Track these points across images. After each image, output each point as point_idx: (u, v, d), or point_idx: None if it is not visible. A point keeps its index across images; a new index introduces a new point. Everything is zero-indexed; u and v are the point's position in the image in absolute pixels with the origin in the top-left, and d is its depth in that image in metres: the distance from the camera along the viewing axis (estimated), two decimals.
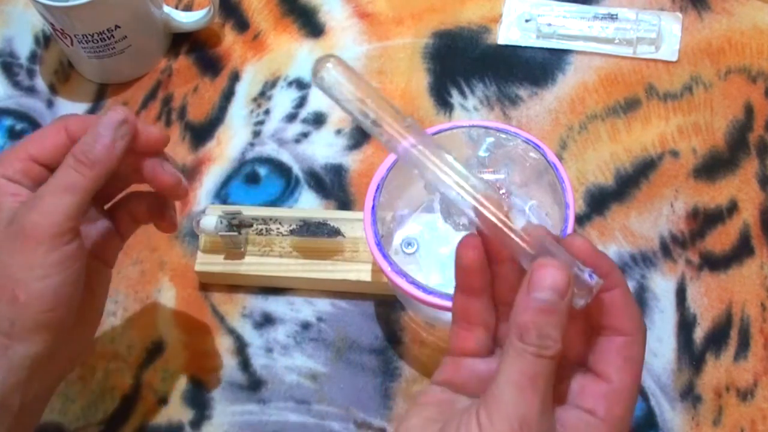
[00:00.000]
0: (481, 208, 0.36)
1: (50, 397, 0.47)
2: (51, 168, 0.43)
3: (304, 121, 0.64)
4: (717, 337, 0.54)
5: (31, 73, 0.68)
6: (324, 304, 0.57)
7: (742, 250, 0.56)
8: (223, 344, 0.56)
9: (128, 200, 0.49)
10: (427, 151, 0.38)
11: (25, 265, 0.41)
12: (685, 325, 0.54)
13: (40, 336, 0.42)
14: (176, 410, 0.55)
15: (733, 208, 0.58)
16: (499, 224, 0.36)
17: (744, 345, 0.53)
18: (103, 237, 0.48)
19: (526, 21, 0.66)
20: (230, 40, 0.68)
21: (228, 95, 0.66)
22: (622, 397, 0.36)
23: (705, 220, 0.57)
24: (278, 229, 0.55)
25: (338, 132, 0.63)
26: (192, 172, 0.62)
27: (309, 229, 0.55)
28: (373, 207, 0.51)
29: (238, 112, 0.65)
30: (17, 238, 0.41)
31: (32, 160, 0.43)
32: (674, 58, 0.63)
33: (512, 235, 0.35)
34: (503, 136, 0.52)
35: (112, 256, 0.49)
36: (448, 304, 0.48)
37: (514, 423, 0.33)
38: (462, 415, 0.35)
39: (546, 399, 0.34)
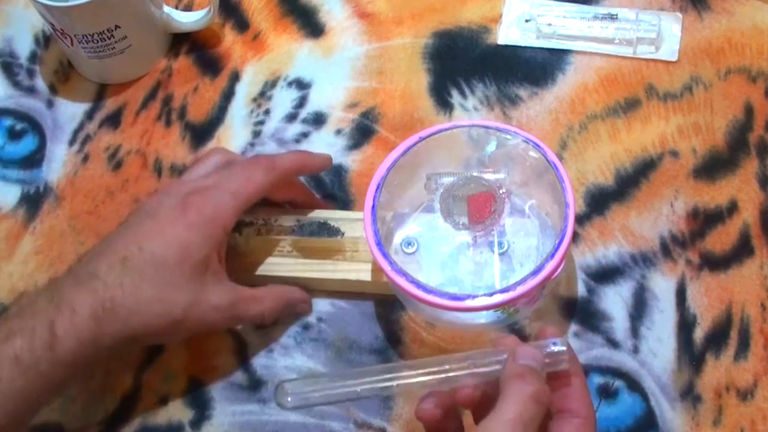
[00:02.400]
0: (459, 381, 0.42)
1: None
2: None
3: (304, 121, 0.64)
4: (717, 337, 0.54)
5: (31, 73, 0.68)
6: (324, 304, 0.57)
7: (742, 250, 0.56)
8: (223, 344, 0.56)
9: None
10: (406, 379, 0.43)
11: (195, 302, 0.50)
12: (685, 325, 0.54)
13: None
14: (176, 410, 0.55)
15: (733, 208, 0.58)
16: (477, 374, 0.42)
17: (744, 345, 0.53)
18: None
19: (526, 21, 0.66)
20: (230, 40, 0.68)
21: (228, 95, 0.66)
22: (590, 425, 0.41)
23: (705, 220, 0.57)
24: (278, 228, 0.55)
25: (338, 132, 0.63)
26: None
27: (309, 229, 0.55)
28: (373, 207, 0.51)
29: (238, 112, 0.65)
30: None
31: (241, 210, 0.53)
32: (674, 58, 0.63)
33: (488, 370, 0.42)
34: (504, 135, 0.53)
35: None
36: (449, 303, 0.48)
37: None
38: None
39: None
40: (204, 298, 0.50)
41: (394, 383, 0.42)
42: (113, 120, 0.65)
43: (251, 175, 0.52)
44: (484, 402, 0.42)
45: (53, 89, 0.67)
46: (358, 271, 0.56)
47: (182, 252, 0.49)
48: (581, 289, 0.56)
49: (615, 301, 0.55)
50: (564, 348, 0.42)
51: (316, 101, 0.65)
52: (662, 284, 0.56)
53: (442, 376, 0.42)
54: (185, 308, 0.49)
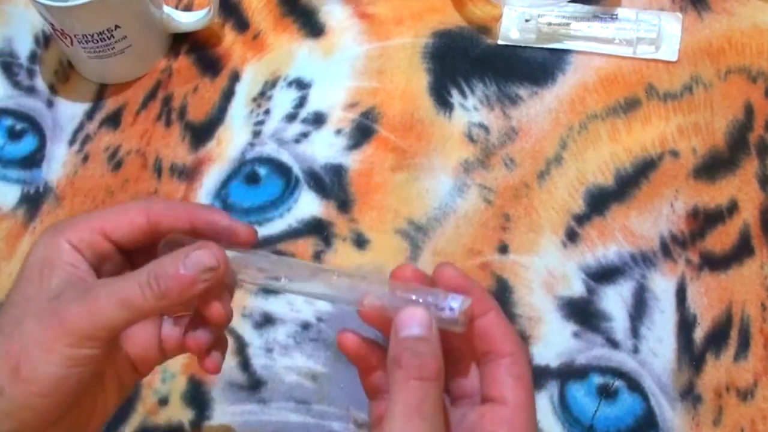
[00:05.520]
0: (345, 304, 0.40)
1: None
2: (120, 246, 0.41)
3: (304, 121, 0.64)
4: (717, 337, 0.54)
5: (31, 73, 0.68)
6: (324, 304, 0.57)
7: (742, 250, 0.56)
8: None
9: (180, 322, 0.44)
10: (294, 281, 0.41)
11: (43, 345, 0.38)
12: (685, 325, 0.54)
13: (24, 415, 0.38)
14: (176, 410, 0.55)
15: (733, 208, 0.58)
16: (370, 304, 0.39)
17: (744, 345, 0.53)
18: (147, 346, 0.44)
19: (526, 21, 0.66)
20: (230, 40, 0.68)
21: (228, 95, 0.66)
22: (522, 413, 0.37)
23: (705, 220, 0.57)
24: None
25: (338, 132, 0.63)
26: (192, 173, 0.62)
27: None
28: None
29: (238, 112, 0.65)
30: (51, 316, 0.38)
31: (103, 235, 0.41)
32: (674, 58, 0.63)
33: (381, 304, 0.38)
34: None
35: (147, 367, 0.44)
36: None
37: None
38: None
39: (435, 425, 0.35)
40: (42, 300, 0.40)
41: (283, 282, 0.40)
42: (113, 120, 0.65)
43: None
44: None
45: (53, 89, 0.67)
46: None
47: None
48: (581, 289, 0.56)
49: (615, 301, 0.55)
50: (459, 313, 0.37)
51: (316, 101, 0.65)
52: (662, 284, 0.56)
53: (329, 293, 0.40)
54: (20, 323, 0.39)
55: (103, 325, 0.38)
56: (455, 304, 0.37)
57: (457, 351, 0.40)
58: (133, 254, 0.42)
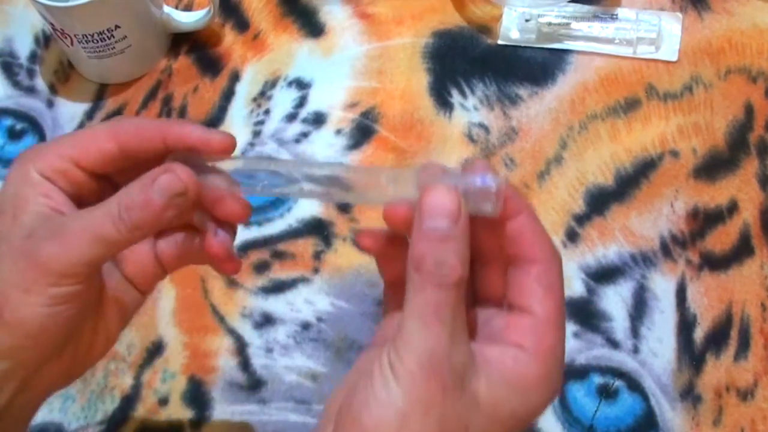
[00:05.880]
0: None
1: (32, 415, 0.42)
2: (91, 173, 0.39)
3: (304, 121, 0.64)
4: (717, 337, 0.54)
5: (31, 73, 0.68)
6: (324, 304, 0.57)
7: (742, 250, 0.56)
8: (223, 344, 0.56)
9: (175, 236, 0.43)
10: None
11: (22, 286, 0.37)
12: (685, 325, 0.54)
13: (16, 355, 0.38)
14: (176, 410, 0.55)
15: (733, 208, 0.58)
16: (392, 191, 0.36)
17: (744, 345, 0.53)
18: (143, 264, 0.42)
19: (526, 21, 0.66)
20: (230, 40, 0.68)
21: (228, 95, 0.66)
22: (549, 327, 0.35)
23: (705, 220, 0.57)
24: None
25: (338, 132, 0.63)
26: None
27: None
28: None
29: (238, 112, 0.65)
30: (27, 259, 0.37)
31: (73, 162, 0.39)
32: (674, 58, 0.63)
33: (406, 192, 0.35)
34: None
35: (148, 285, 0.43)
36: None
37: (423, 358, 0.32)
38: (374, 359, 0.34)
39: (456, 331, 0.33)
40: (15, 238, 0.38)
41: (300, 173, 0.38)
42: None
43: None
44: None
45: (53, 89, 0.67)
46: None
47: None
48: (581, 289, 0.56)
49: (615, 301, 0.55)
50: (501, 181, 0.34)
51: (316, 101, 0.65)
52: (662, 284, 0.56)
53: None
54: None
55: (79, 262, 0.36)
56: (488, 180, 0.33)
57: (485, 250, 0.37)
58: (112, 178, 0.41)
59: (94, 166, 0.39)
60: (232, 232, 0.42)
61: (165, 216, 0.37)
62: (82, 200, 0.39)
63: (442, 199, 0.33)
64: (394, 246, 0.38)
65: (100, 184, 0.40)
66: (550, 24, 0.65)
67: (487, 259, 0.37)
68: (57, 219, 0.38)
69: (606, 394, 0.53)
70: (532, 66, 0.64)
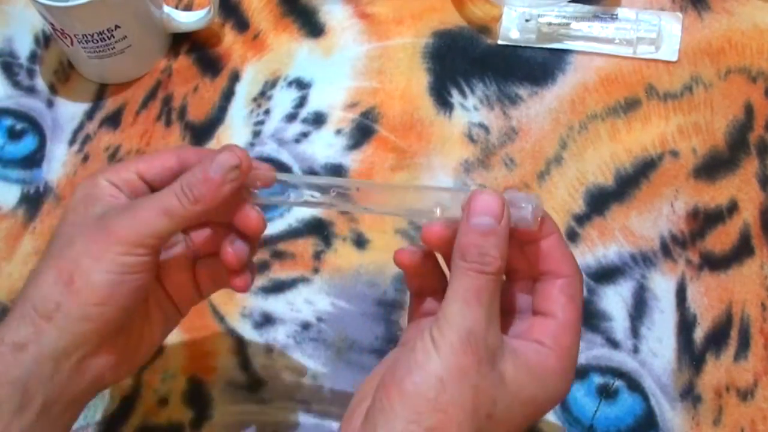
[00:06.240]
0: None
1: (79, 410, 0.44)
2: (152, 186, 0.44)
3: (304, 121, 0.64)
4: (717, 337, 0.54)
5: (31, 73, 0.68)
6: (324, 304, 0.57)
7: (742, 250, 0.56)
8: (223, 344, 0.56)
9: (211, 262, 0.47)
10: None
11: (94, 255, 0.41)
12: (685, 325, 0.54)
13: (79, 328, 0.41)
14: (176, 410, 0.55)
15: (733, 208, 0.58)
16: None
17: (744, 345, 0.53)
18: (182, 285, 0.47)
19: (526, 21, 0.66)
20: (230, 40, 0.68)
21: (228, 95, 0.66)
22: (568, 329, 0.40)
23: (705, 220, 0.57)
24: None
25: (338, 132, 0.63)
26: None
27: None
28: None
29: (238, 112, 0.65)
30: (99, 231, 0.41)
31: (137, 174, 0.44)
32: (674, 58, 0.63)
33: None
34: None
35: (185, 305, 0.48)
36: None
37: (462, 333, 0.37)
38: (417, 335, 0.38)
39: (491, 313, 0.38)
40: (89, 220, 0.42)
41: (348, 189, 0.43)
42: (113, 120, 0.65)
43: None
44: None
45: (53, 89, 0.67)
46: None
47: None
48: None
49: (615, 301, 0.55)
50: (534, 209, 0.39)
51: (316, 101, 0.65)
52: (662, 284, 0.56)
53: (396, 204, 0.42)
54: (70, 242, 0.42)
55: (148, 233, 0.41)
56: (531, 197, 0.39)
57: (514, 267, 0.42)
58: None
59: (156, 177, 0.44)
60: (251, 249, 0.46)
61: (222, 191, 0.42)
62: None
63: (489, 200, 0.39)
64: (423, 263, 0.43)
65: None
66: (550, 24, 0.65)
67: (516, 276, 0.42)
68: (126, 203, 0.43)
69: (606, 394, 0.53)
70: (532, 66, 0.64)
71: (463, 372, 0.37)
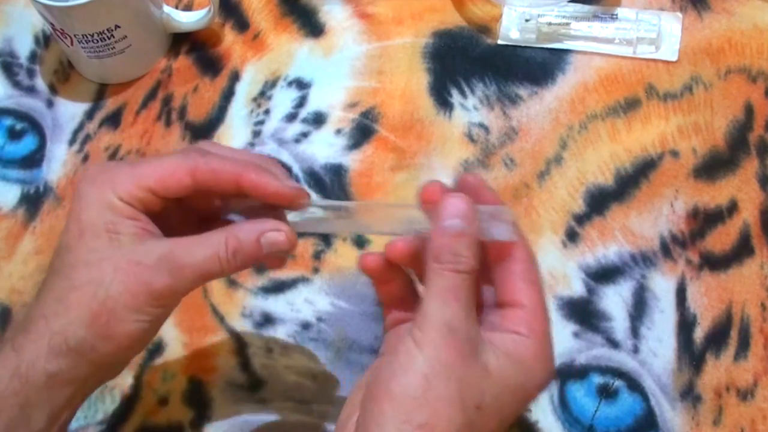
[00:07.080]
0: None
1: (69, 420, 0.45)
2: (164, 198, 0.44)
3: (304, 121, 0.64)
4: (717, 337, 0.54)
5: (31, 73, 0.68)
6: (324, 304, 0.57)
7: (742, 250, 0.56)
8: (223, 344, 0.56)
9: None
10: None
11: (131, 306, 0.42)
12: (685, 325, 0.54)
13: (110, 366, 0.44)
14: (176, 410, 0.55)
15: (733, 208, 0.58)
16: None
17: (744, 345, 0.53)
18: None
19: (526, 21, 0.66)
20: (230, 40, 0.68)
21: (228, 95, 0.66)
22: (538, 314, 0.41)
23: (705, 220, 0.57)
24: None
25: (338, 132, 0.63)
26: None
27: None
28: None
29: (238, 112, 0.65)
30: (139, 284, 0.42)
31: (151, 192, 0.43)
32: (674, 58, 0.63)
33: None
34: None
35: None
36: None
37: (443, 329, 0.38)
38: (397, 341, 0.39)
39: (468, 307, 0.39)
40: (121, 260, 0.42)
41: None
42: (113, 120, 0.65)
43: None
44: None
45: (53, 89, 0.67)
46: None
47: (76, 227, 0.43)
48: (581, 289, 0.56)
49: (615, 301, 0.55)
50: (508, 217, 0.41)
51: (316, 101, 0.65)
52: (662, 284, 0.56)
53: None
54: (103, 283, 0.42)
55: (185, 291, 0.43)
56: (504, 213, 0.41)
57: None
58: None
59: (168, 194, 0.44)
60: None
61: (260, 253, 0.43)
62: (149, 215, 0.44)
63: (459, 203, 0.40)
64: (390, 270, 0.44)
65: (166, 202, 0.44)
66: (550, 24, 0.65)
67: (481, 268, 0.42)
68: (159, 246, 0.43)
69: (606, 393, 0.53)
70: (531, 66, 0.64)
71: (447, 366, 0.38)
